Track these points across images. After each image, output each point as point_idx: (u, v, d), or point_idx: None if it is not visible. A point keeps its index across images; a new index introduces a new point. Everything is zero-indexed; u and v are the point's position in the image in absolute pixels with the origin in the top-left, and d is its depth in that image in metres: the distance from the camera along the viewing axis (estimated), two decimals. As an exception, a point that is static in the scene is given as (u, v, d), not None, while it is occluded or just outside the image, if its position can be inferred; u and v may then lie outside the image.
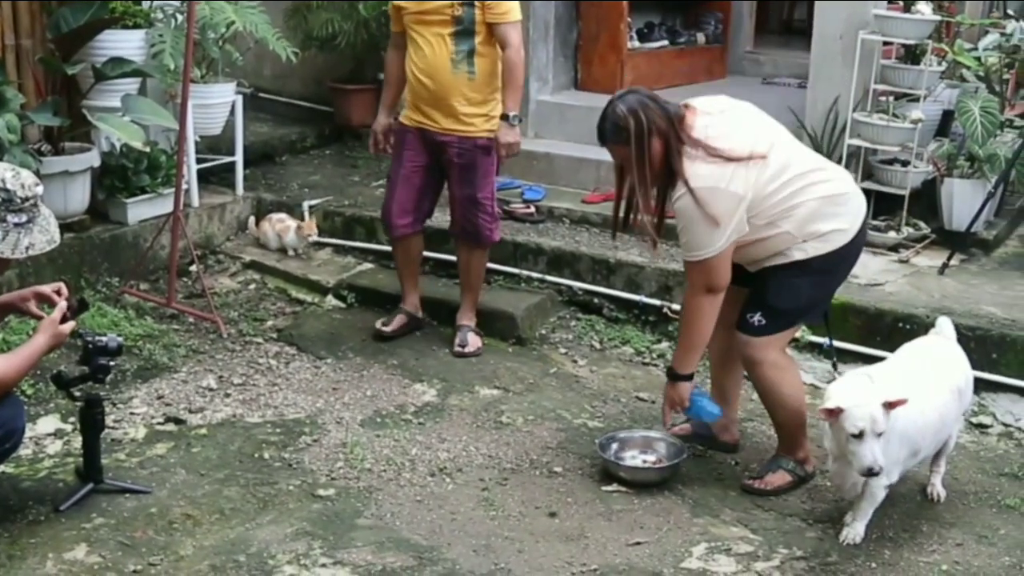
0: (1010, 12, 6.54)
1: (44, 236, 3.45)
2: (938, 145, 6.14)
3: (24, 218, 3.37)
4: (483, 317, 5.42)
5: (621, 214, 3.95)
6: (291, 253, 6.09)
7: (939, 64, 6.18)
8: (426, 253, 5.97)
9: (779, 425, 4.10)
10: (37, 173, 5.06)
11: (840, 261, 3.91)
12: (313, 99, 8.06)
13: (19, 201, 3.34)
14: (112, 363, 3.67)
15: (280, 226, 6.12)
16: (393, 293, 5.64)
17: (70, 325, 3.54)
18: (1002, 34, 6.13)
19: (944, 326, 4.09)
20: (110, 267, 5.56)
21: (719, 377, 4.33)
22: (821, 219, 3.80)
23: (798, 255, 3.81)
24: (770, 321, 3.89)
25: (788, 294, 3.87)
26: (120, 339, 3.69)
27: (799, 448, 4.08)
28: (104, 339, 3.64)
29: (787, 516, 3.88)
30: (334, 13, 7.40)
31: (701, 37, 8.48)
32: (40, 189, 3.45)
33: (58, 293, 3.58)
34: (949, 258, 5.50)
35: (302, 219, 6.14)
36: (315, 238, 6.05)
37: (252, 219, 6.34)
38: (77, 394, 3.70)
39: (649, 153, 3.71)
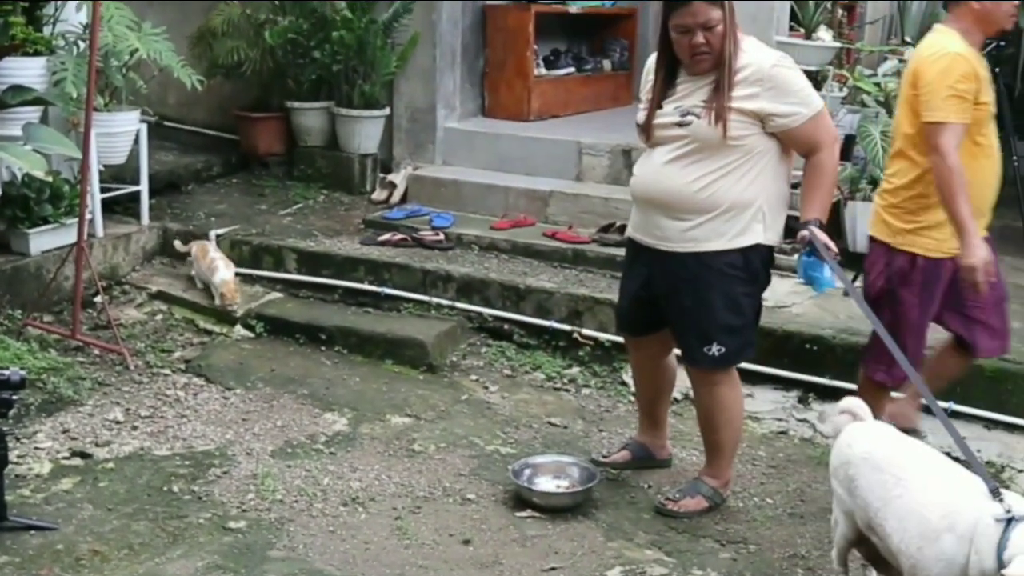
0: (908, 39, 6.77)
1: None
2: (841, 169, 6.30)
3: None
4: (393, 344, 5.43)
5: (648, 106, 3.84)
6: (214, 294, 5.81)
7: (840, 90, 6.36)
8: (336, 281, 6.00)
9: (716, 446, 4.06)
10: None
11: (765, 268, 3.89)
12: (219, 127, 8.00)
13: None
14: (14, 397, 3.59)
15: (208, 264, 5.84)
16: (302, 322, 5.62)
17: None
18: (900, 60, 6.33)
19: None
20: (12, 299, 5.43)
21: (652, 410, 4.34)
22: (779, 211, 3.84)
23: (753, 234, 3.75)
24: (729, 346, 3.83)
25: (734, 305, 3.80)
26: (23, 372, 3.62)
27: (725, 471, 4.12)
28: (6, 373, 3.57)
29: (700, 538, 3.94)
30: (239, 41, 7.37)
31: (607, 64, 8.64)
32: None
33: None
34: (854, 280, 5.63)
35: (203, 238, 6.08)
36: (236, 310, 5.73)
37: (178, 242, 6.23)
38: (-20, 430, 3.61)
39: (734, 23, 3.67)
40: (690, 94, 3.72)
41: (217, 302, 5.71)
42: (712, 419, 4.04)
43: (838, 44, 6.29)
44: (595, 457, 4.33)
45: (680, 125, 3.70)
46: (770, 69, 3.70)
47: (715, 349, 3.83)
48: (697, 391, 4.08)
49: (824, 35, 6.19)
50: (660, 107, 3.77)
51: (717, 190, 3.70)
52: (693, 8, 3.59)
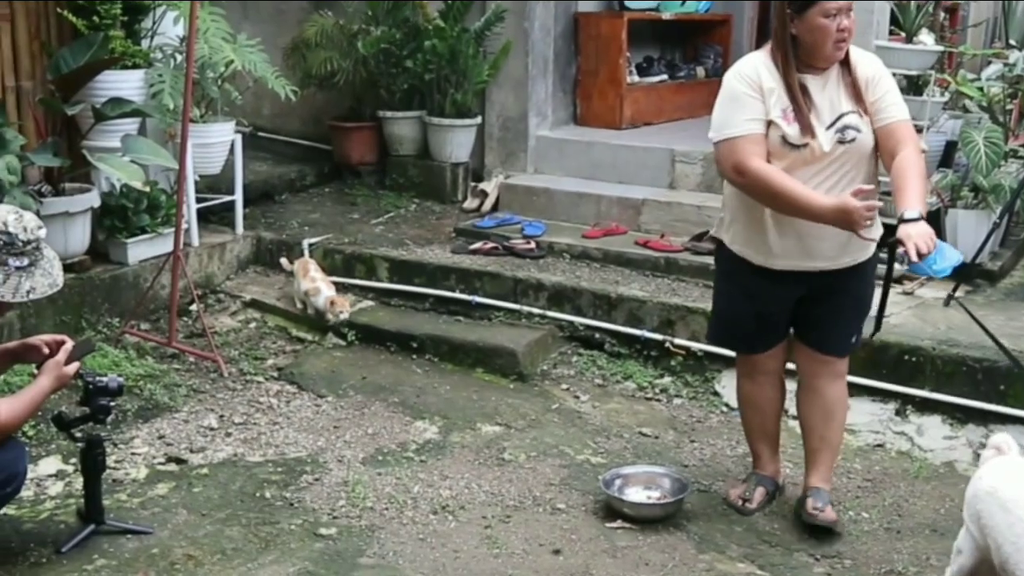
0: (1012, 42, 6.57)
1: (46, 280, 3.43)
2: (942, 176, 6.12)
3: (26, 261, 3.35)
4: (484, 353, 5.41)
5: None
6: (309, 311, 5.83)
7: (942, 95, 6.19)
8: (428, 290, 6.01)
9: (833, 445, 4.04)
10: (38, 214, 5.13)
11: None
12: (312, 137, 8.08)
13: (21, 244, 3.33)
14: (113, 403, 3.65)
15: (310, 285, 5.81)
16: (394, 331, 5.63)
17: (74, 366, 3.52)
18: (1005, 64, 6.13)
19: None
20: (111, 307, 5.54)
21: (774, 429, 4.19)
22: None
23: (878, 228, 3.72)
24: (860, 331, 3.94)
25: (870, 292, 3.87)
26: (121, 379, 3.67)
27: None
28: (105, 379, 3.62)
29: (794, 551, 3.85)
30: (332, 51, 7.43)
31: (700, 71, 8.54)
32: (43, 232, 3.44)
33: (60, 344, 3.55)
34: (954, 289, 5.47)
35: (302, 256, 6.13)
36: (346, 316, 5.70)
37: (284, 260, 6.26)
38: (78, 435, 3.67)
39: None
40: (827, 104, 3.62)
41: (329, 318, 5.69)
42: (836, 414, 4.01)
43: (940, 48, 6.11)
44: (735, 503, 4.13)
45: (842, 142, 3.61)
46: (877, 63, 3.65)
47: (855, 336, 3.93)
48: (826, 388, 3.99)
49: (926, 38, 6.02)
50: (811, 124, 3.60)
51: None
52: None
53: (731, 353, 4.97)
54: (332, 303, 5.68)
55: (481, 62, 7.24)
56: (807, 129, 3.57)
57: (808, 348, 3.96)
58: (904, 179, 3.50)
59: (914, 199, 3.44)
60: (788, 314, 3.93)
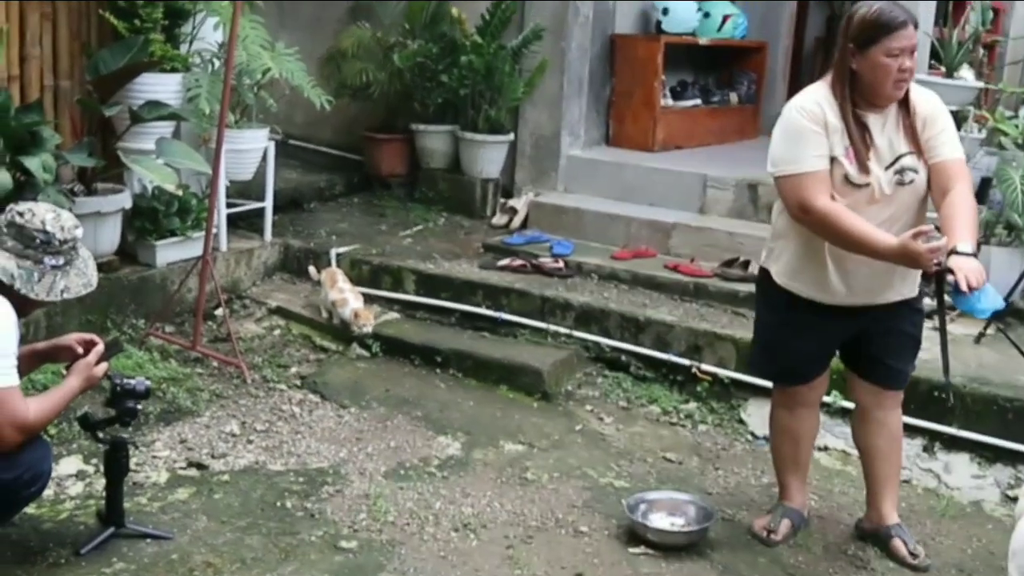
0: (1051, 80, 6.54)
1: (80, 280, 3.43)
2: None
3: (61, 260, 3.35)
4: (508, 370, 5.38)
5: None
6: (335, 321, 5.80)
7: (979, 131, 6.14)
8: (454, 304, 5.98)
9: (897, 475, 4.06)
10: (70, 212, 5.15)
11: None
12: (343, 147, 8.10)
13: (57, 243, 3.33)
14: (139, 406, 3.63)
15: (338, 296, 5.78)
16: (419, 344, 5.61)
17: (103, 367, 3.51)
18: (1043, 102, 6.09)
19: None
20: (137, 309, 5.53)
21: (805, 460, 4.15)
22: None
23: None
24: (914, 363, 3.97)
25: (921, 325, 3.90)
26: (148, 382, 3.65)
27: None
28: (132, 382, 3.60)
29: (818, 585, 3.80)
30: (368, 63, 7.45)
31: (734, 97, 8.52)
32: (79, 232, 3.44)
33: (91, 344, 3.54)
34: (986, 327, 5.40)
35: (329, 265, 6.11)
36: (370, 329, 5.67)
37: (313, 269, 6.22)
38: (103, 436, 3.65)
39: None
40: (886, 144, 3.58)
41: (354, 329, 5.67)
42: (900, 440, 4.01)
43: (980, 84, 6.07)
44: (760, 534, 4.06)
45: (901, 184, 3.57)
46: (935, 100, 3.63)
47: (910, 367, 3.95)
48: (889, 417, 3.96)
49: (967, 74, 5.99)
50: (868, 162, 3.56)
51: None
52: (910, 30, 3.48)
53: (759, 381, 4.99)
54: (356, 315, 5.66)
55: (517, 79, 7.23)
56: (864, 168, 3.53)
57: (867, 383, 3.92)
58: (957, 215, 3.45)
59: (967, 233, 3.39)
60: (835, 348, 3.90)
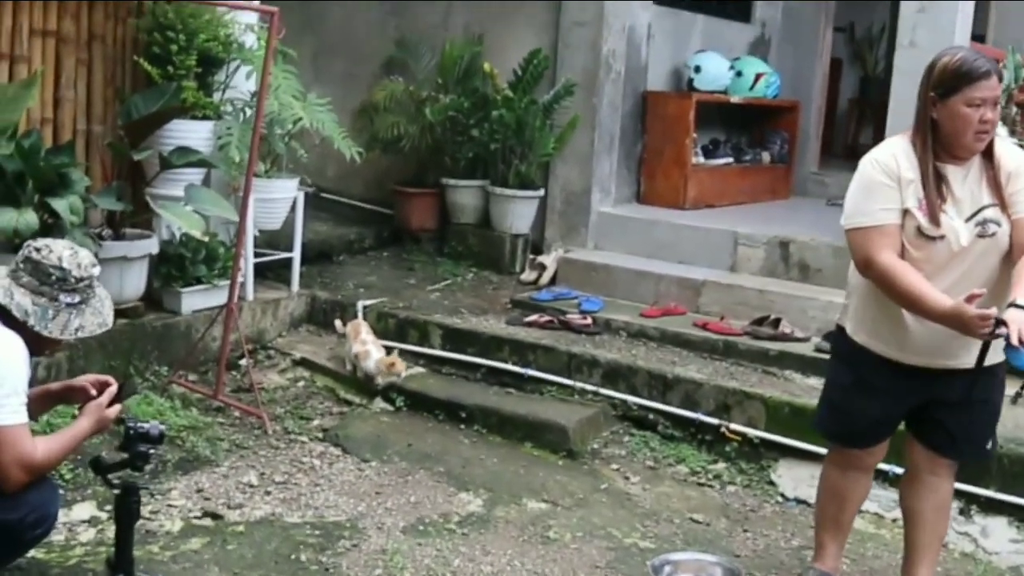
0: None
1: (96, 319, 3.37)
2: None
3: (77, 298, 3.30)
4: (533, 427, 5.29)
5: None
6: (359, 374, 5.73)
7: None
8: (480, 359, 5.91)
9: (940, 542, 3.92)
10: (96, 256, 5.13)
11: None
12: (374, 201, 8.09)
13: (73, 281, 3.28)
14: (152, 451, 3.54)
15: (360, 348, 5.70)
16: (443, 399, 5.53)
17: (115, 409, 3.44)
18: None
19: None
20: (160, 355, 5.49)
21: (848, 523, 3.99)
22: None
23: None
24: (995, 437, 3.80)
25: (1001, 396, 3.69)
26: (162, 427, 3.58)
27: None
28: (146, 426, 3.53)
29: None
30: (400, 116, 7.46)
31: (766, 156, 8.48)
32: (96, 270, 3.40)
33: (105, 385, 3.48)
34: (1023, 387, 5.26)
35: (355, 318, 6.05)
36: (401, 379, 5.64)
37: (339, 322, 6.12)
38: (114, 481, 3.57)
39: None
40: (968, 196, 3.46)
41: (379, 381, 5.61)
42: (946, 514, 3.86)
43: (1014, 142, 5.97)
44: None
45: (982, 236, 3.44)
46: (1020, 155, 3.51)
47: (990, 442, 3.78)
48: (941, 483, 3.80)
49: (1002, 131, 5.90)
50: (943, 214, 3.44)
51: (999, 297, 3.41)
52: (993, 81, 3.38)
53: (790, 441, 4.88)
54: (392, 364, 5.58)
55: (547, 135, 7.21)
56: (935, 220, 3.41)
57: (924, 446, 3.76)
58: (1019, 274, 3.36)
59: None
60: (903, 414, 3.74)
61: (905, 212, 3.44)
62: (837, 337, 3.84)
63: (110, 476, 3.56)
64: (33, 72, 5.22)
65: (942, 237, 3.42)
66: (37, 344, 3.27)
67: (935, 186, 3.42)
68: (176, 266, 5.62)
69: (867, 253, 3.45)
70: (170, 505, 4.33)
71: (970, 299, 3.24)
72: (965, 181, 3.46)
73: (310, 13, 8.33)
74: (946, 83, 3.41)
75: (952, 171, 3.47)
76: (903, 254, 3.44)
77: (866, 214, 3.47)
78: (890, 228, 3.44)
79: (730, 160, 8.16)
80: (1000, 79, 3.43)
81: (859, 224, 3.48)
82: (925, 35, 6.06)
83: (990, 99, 3.37)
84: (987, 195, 3.46)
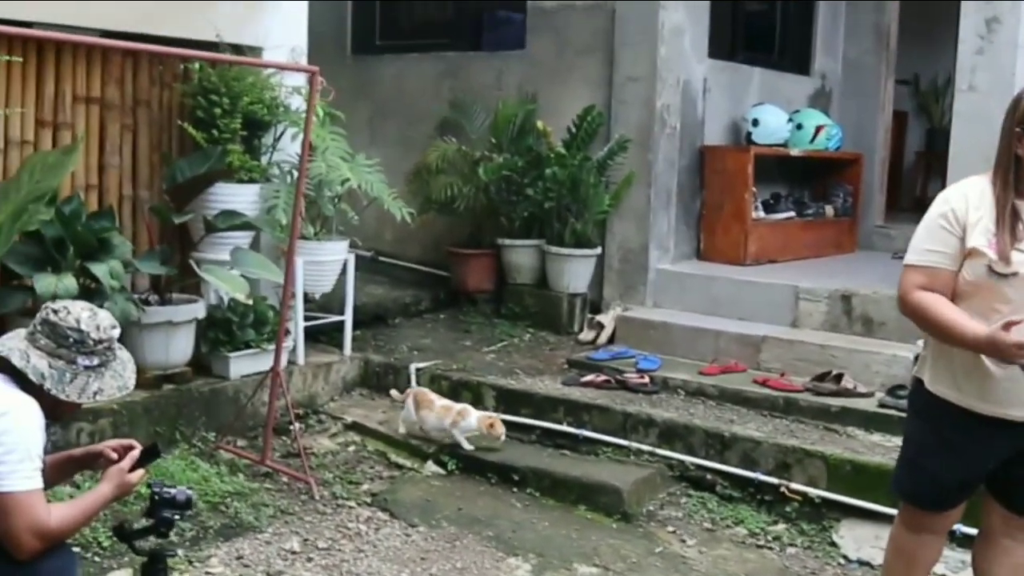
0: None
1: (116, 382, 3.29)
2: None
3: (95, 361, 3.22)
4: (587, 489, 5.12)
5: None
6: (466, 447, 5.46)
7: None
8: (534, 421, 5.76)
9: None
10: (139, 322, 5.12)
11: None
12: (430, 263, 8.04)
13: (92, 343, 3.21)
14: (177, 516, 3.46)
15: (455, 415, 5.48)
16: (496, 462, 5.38)
17: (138, 475, 3.34)
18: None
19: None
20: (208, 421, 5.44)
21: None
22: None
23: None
24: None
25: None
26: (190, 492, 3.48)
27: None
28: (172, 491, 3.43)
29: None
30: (454, 177, 7.42)
31: (829, 210, 8.29)
32: (116, 332, 3.32)
33: (128, 450, 3.40)
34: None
35: (408, 382, 5.95)
36: (504, 437, 5.45)
37: (395, 391, 6.01)
38: (139, 547, 3.48)
39: None
40: None
41: (467, 424, 5.46)
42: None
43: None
44: None
45: None
46: None
47: None
48: (1014, 551, 3.56)
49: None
50: (1015, 251, 3.25)
51: None
52: None
53: (853, 501, 4.65)
54: (492, 425, 5.43)
55: (603, 192, 7.11)
56: (1004, 257, 3.22)
57: (1002, 506, 3.52)
58: None
59: None
60: (984, 474, 3.48)
61: (972, 252, 3.26)
62: (914, 391, 3.61)
63: (135, 543, 3.47)
64: (75, 139, 5.25)
65: (1015, 274, 3.22)
66: (55, 409, 3.18)
67: (1010, 223, 3.24)
68: (224, 330, 5.58)
69: (904, 289, 3.34)
70: (208, 572, 4.23)
71: (1008, 326, 3.05)
72: None
73: (365, 77, 8.39)
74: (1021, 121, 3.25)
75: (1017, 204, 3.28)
76: (978, 298, 3.26)
77: (916, 252, 3.35)
78: (934, 271, 3.30)
79: (792, 214, 7.97)
80: None
81: (907, 261, 3.37)
82: (985, 78, 5.89)
83: None
84: None
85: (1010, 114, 3.32)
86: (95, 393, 3.20)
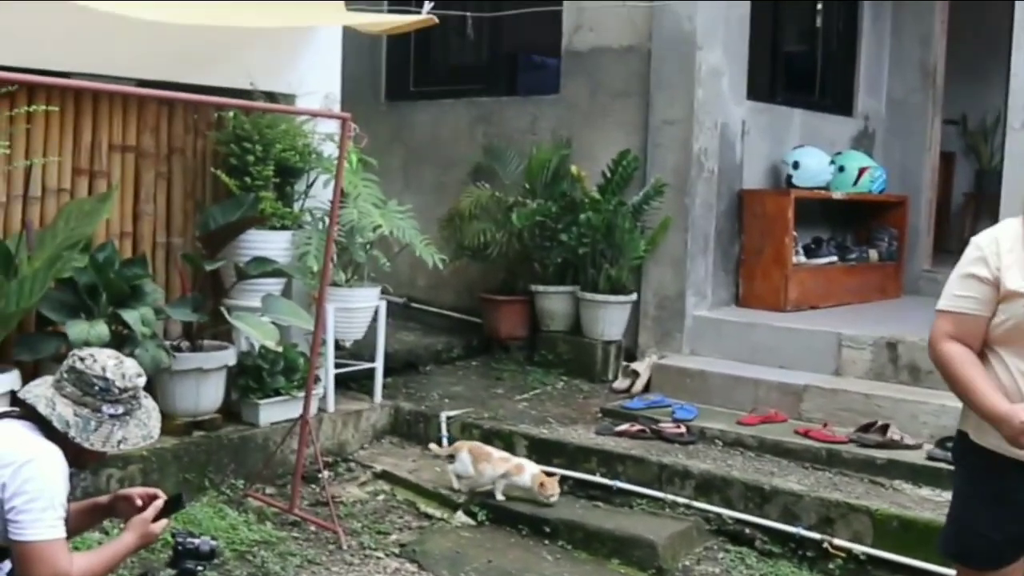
0: None
1: (140, 431, 3.24)
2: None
3: (120, 410, 3.18)
4: (621, 543, 4.98)
5: None
6: (499, 497, 5.36)
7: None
8: (566, 471, 5.63)
9: None
10: (169, 369, 5.07)
11: None
12: (463, 310, 7.97)
13: (117, 391, 3.16)
14: (201, 568, 3.39)
15: (509, 465, 5.36)
16: (527, 513, 5.26)
17: (162, 524, 3.29)
18: None
19: None
20: (237, 468, 5.36)
21: None
22: None
23: None
24: None
25: None
26: (214, 543, 3.42)
27: None
28: (196, 542, 3.38)
29: None
30: (487, 223, 7.36)
31: (874, 254, 8.14)
32: (142, 380, 3.27)
33: (152, 498, 3.34)
34: None
35: (437, 430, 5.87)
36: (556, 499, 5.31)
37: (434, 445, 5.87)
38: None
39: None
40: None
41: (522, 480, 5.33)
42: None
43: None
44: None
45: None
46: None
47: None
48: None
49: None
50: None
51: None
52: None
53: (900, 558, 4.51)
54: (542, 485, 5.29)
55: (638, 237, 7.01)
56: None
57: None
58: None
59: None
60: None
61: (1008, 295, 3.12)
62: (958, 444, 3.46)
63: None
64: (110, 186, 5.25)
65: None
66: (79, 457, 3.15)
67: None
68: (254, 377, 5.53)
69: (934, 337, 3.22)
70: (232, 625, 4.14)
71: None
72: None
73: (399, 123, 8.38)
74: None
75: None
76: (1019, 344, 3.12)
77: (947, 297, 3.24)
78: (963, 318, 3.18)
79: (834, 259, 7.83)
80: None
81: (939, 307, 3.25)
82: (1037, 116, 5.74)
83: None
84: None
85: None
86: (119, 442, 3.16)
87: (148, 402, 3.34)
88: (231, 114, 5.59)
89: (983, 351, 3.20)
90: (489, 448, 5.56)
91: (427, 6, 5.78)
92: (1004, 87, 6.32)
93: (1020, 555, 3.36)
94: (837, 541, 4.86)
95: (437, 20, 5.88)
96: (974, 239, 3.28)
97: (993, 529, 3.28)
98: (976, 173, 10.40)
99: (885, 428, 5.56)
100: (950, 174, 10.01)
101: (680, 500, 5.31)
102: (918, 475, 5.23)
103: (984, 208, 10.01)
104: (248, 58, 5.64)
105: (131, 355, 4.04)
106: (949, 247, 9.78)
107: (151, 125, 5.53)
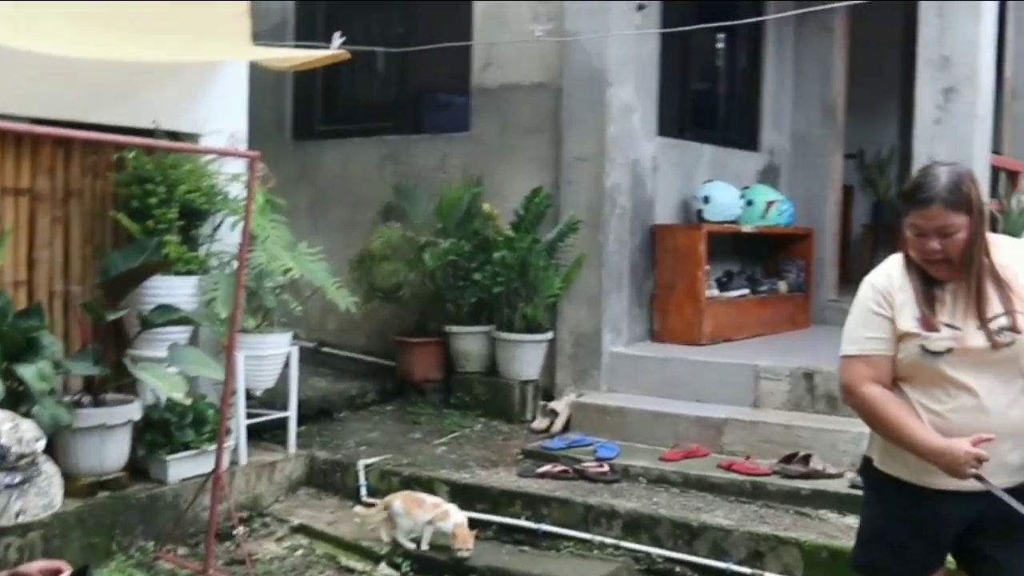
0: None
1: (41, 500, 2.99)
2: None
3: (18, 478, 2.93)
4: (550, 588, 4.86)
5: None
6: (415, 547, 5.17)
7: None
8: (490, 516, 5.50)
9: None
10: (71, 426, 4.82)
11: None
12: (376, 353, 7.79)
13: (13, 458, 2.92)
14: (113, 642, 3.17)
15: (436, 511, 5.17)
16: (449, 561, 5.10)
17: (68, 602, 3.05)
18: None
19: None
20: (146, 529, 5.11)
21: None
22: None
23: None
24: None
25: None
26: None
27: None
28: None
29: None
30: (399, 264, 7.21)
31: (783, 285, 8.22)
32: (40, 445, 3.03)
33: (56, 573, 3.10)
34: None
35: (355, 480, 5.68)
36: (468, 554, 5.05)
37: (359, 507, 5.64)
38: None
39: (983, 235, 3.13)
40: (972, 305, 3.13)
41: (423, 546, 5.16)
42: None
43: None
44: None
45: (995, 346, 3.08)
46: (1014, 251, 3.20)
47: None
48: None
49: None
50: (935, 328, 3.13)
51: None
52: (934, 210, 3.07)
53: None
54: (454, 536, 5.09)
55: (552, 275, 6.94)
56: (930, 327, 3.10)
57: None
58: None
59: None
60: (947, 543, 3.32)
61: (904, 336, 3.13)
62: (864, 469, 3.49)
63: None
64: (2, 232, 4.99)
65: (949, 350, 3.09)
66: (-25, 531, 2.92)
67: (925, 300, 3.14)
68: (161, 432, 5.30)
69: (847, 381, 3.22)
70: None
71: (976, 442, 2.96)
72: (970, 290, 3.13)
73: (306, 162, 8.22)
74: (900, 201, 3.19)
75: (949, 285, 3.16)
76: (920, 380, 3.14)
77: (853, 342, 3.23)
78: (876, 360, 3.18)
79: (746, 291, 7.86)
80: (965, 207, 3.06)
81: (846, 351, 3.24)
82: (944, 148, 5.79)
83: (931, 229, 3.07)
84: (997, 304, 3.12)
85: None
86: (18, 514, 2.91)
87: (49, 467, 3.10)
88: (132, 154, 5.37)
89: None
90: (419, 495, 5.38)
91: (336, 40, 5.64)
92: (898, 123, 6.42)
93: (936, 568, 3.36)
94: (768, 574, 4.81)
95: (349, 55, 5.76)
96: (867, 279, 3.30)
97: (898, 547, 3.30)
98: (873, 205, 10.64)
99: (807, 458, 5.54)
100: (849, 206, 10.20)
101: (608, 541, 5.20)
102: (843, 504, 5.20)
103: (882, 238, 10.21)
104: (150, 96, 5.44)
105: (28, 414, 3.83)
106: (852, 277, 9.93)
107: (46, 166, 5.28)
